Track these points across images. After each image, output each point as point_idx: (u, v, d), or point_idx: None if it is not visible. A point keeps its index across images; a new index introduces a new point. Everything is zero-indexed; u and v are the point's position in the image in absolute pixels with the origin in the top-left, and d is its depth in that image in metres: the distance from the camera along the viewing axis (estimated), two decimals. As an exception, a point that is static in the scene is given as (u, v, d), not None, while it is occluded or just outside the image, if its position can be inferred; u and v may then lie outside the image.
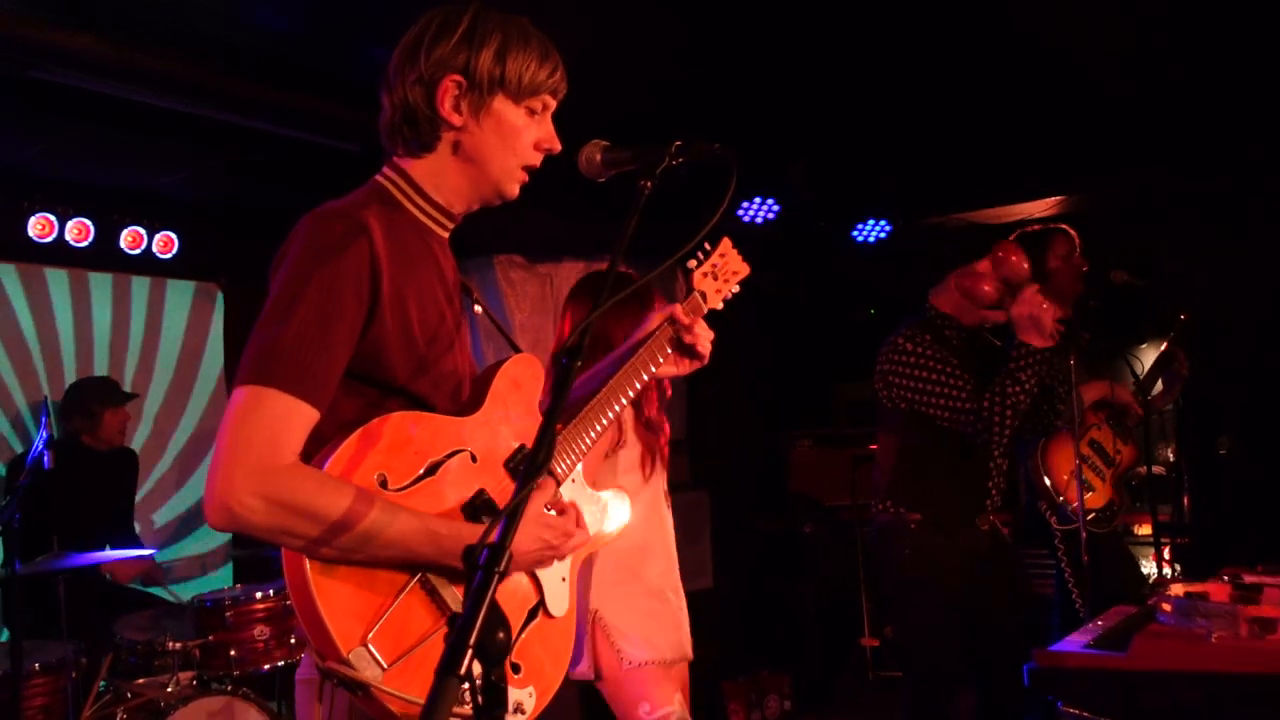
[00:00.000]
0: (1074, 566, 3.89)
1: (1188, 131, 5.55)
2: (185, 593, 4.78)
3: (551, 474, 1.92)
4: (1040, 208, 6.25)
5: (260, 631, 4.13)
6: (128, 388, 5.39)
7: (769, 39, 4.53)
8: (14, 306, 5.45)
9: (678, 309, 2.21)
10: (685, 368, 2.25)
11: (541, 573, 1.87)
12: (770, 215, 6.41)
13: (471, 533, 1.65)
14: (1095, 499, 4.19)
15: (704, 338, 2.23)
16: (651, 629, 3.01)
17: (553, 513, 1.83)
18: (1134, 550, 5.06)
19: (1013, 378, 3.41)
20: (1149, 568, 4.96)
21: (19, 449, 5.20)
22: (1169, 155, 5.78)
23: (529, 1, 1.95)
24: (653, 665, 2.97)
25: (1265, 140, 5.34)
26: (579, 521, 1.87)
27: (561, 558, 1.86)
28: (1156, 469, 4.55)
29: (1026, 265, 3.53)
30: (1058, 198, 6.24)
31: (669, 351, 2.21)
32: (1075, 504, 3.88)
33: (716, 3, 4.20)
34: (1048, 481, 4.15)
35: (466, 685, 1.18)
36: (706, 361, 2.27)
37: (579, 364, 1.43)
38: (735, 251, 2.42)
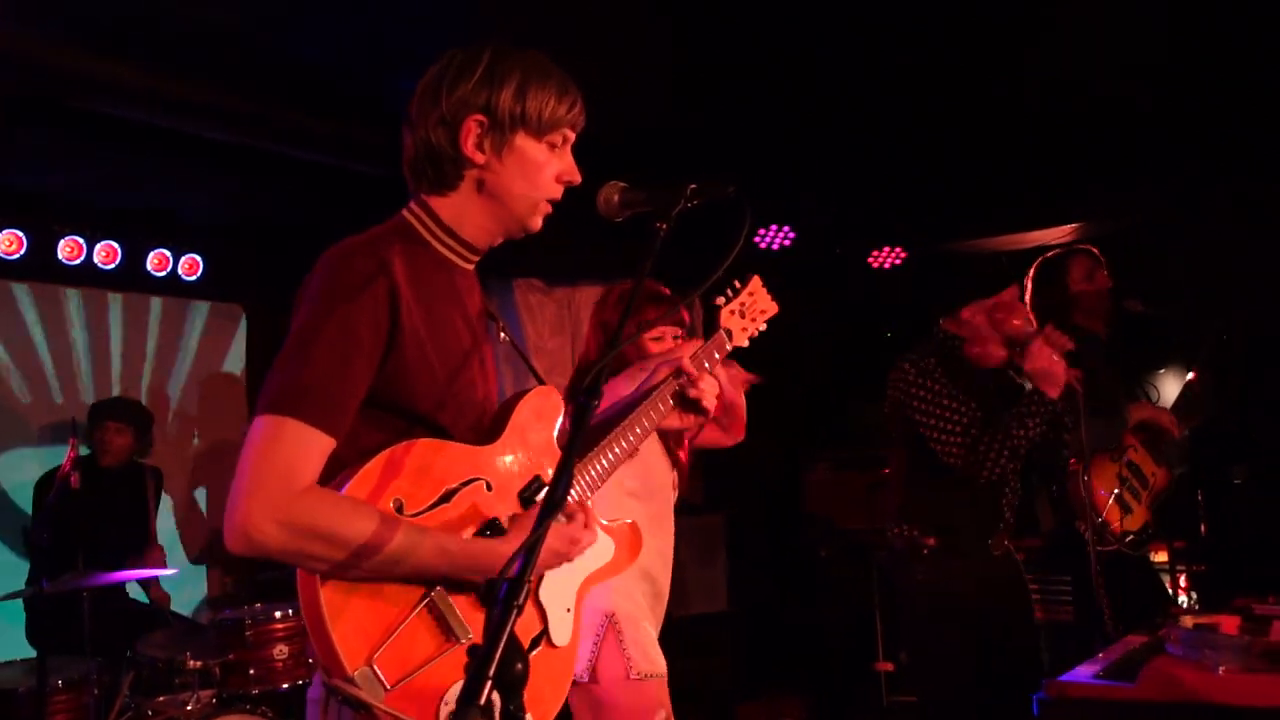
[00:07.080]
0: (1109, 589, 3.82)
1: (1202, 153, 5.56)
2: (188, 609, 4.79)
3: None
4: (1057, 234, 6.26)
5: (280, 650, 4.18)
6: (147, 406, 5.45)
7: (786, 69, 4.59)
8: (29, 326, 5.57)
9: (684, 360, 2.15)
10: (689, 421, 2.17)
11: (546, 601, 1.89)
12: (786, 242, 6.46)
13: (504, 545, 1.72)
14: (1132, 521, 4.10)
15: (709, 393, 2.15)
16: (656, 642, 2.97)
17: (563, 518, 1.83)
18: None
19: (1019, 421, 3.38)
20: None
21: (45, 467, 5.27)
22: (1186, 178, 5.79)
23: (534, 29, 2.00)
24: (656, 679, 2.89)
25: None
26: (588, 523, 1.87)
27: (570, 560, 1.86)
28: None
29: (1028, 327, 3.51)
30: (1075, 224, 6.24)
31: (670, 405, 2.14)
32: (1114, 524, 3.86)
33: (738, 36, 4.26)
34: (1088, 503, 4.07)
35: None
36: (710, 418, 2.19)
37: (596, 402, 1.48)
38: (765, 290, 2.38)
